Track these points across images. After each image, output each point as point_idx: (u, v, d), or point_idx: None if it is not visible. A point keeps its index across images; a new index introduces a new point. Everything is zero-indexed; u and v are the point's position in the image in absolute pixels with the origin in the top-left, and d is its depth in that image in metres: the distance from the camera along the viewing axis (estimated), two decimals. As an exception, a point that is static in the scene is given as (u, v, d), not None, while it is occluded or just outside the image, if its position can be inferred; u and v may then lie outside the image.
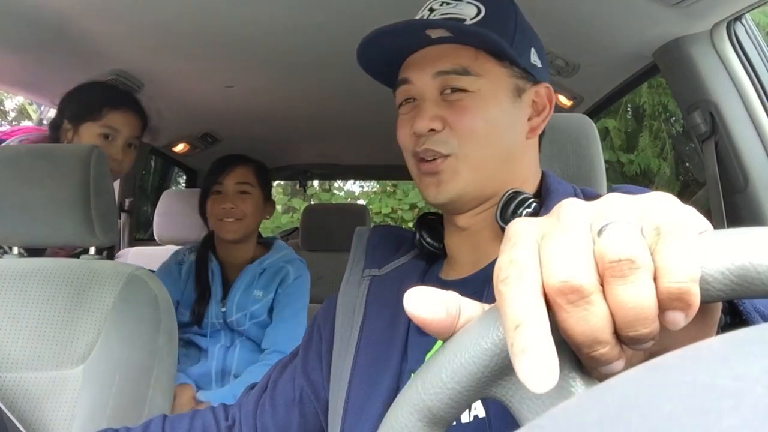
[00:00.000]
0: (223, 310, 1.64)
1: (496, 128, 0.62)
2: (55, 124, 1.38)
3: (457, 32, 0.60)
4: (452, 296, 0.29)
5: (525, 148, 0.66)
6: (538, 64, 0.66)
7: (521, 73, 0.64)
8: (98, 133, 1.35)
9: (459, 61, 0.62)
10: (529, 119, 0.66)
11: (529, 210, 0.61)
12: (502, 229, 0.62)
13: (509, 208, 0.61)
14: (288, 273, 1.69)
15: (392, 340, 0.64)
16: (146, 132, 1.51)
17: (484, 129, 0.61)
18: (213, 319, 1.64)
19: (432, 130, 0.62)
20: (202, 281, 1.66)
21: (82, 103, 1.37)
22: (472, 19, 0.62)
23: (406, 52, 0.65)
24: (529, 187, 0.66)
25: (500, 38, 0.60)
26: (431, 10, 0.65)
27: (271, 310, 1.67)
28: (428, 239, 0.71)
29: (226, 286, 1.68)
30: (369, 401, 0.62)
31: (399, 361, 0.62)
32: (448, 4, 0.64)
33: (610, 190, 0.64)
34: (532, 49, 0.66)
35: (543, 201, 0.63)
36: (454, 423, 0.57)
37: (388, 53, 0.65)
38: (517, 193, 0.62)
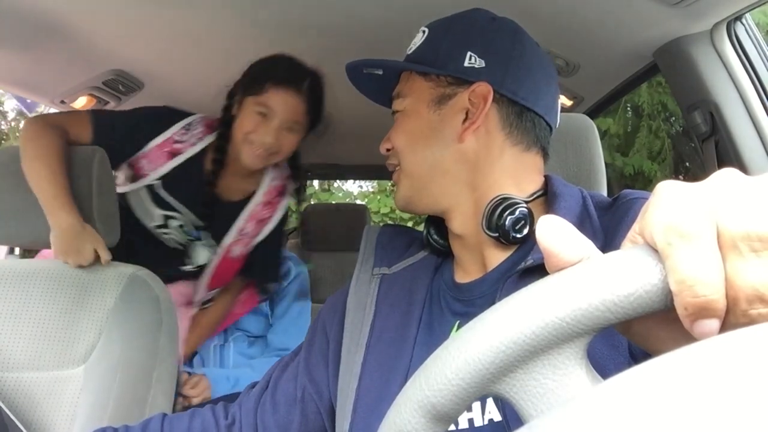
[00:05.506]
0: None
1: (415, 140, 0.69)
2: (231, 94, 1.29)
3: (383, 67, 0.72)
4: (587, 243, 0.29)
5: (462, 151, 0.66)
6: (477, 64, 0.66)
7: (451, 80, 0.67)
8: (255, 111, 1.21)
9: (398, 87, 0.73)
10: (465, 121, 0.66)
11: (512, 216, 0.61)
12: (492, 237, 0.62)
13: (495, 214, 0.62)
14: (289, 268, 1.64)
15: (403, 339, 0.65)
16: (323, 122, 1.33)
17: (407, 141, 0.69)
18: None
19: (387, 149, 0.72)
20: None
21: (253, 75, 1.25)
22: (414, 46, 0.72)
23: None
24: (516, 192, 0.65)
25: (414, 59, 0.70)
26: None
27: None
28: (435, 236, 0.72)
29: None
30: (381, 400, 0.62)
31: (409, 361, 0.63)
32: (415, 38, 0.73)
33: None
34: (468, 53, 0.66)
35: (549, 203, 0.64)
36: (467, 426, 0.57)
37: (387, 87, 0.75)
38: (504, 199, 0.62)
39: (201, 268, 1.43)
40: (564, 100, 1.59)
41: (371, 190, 7.86)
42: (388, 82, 0.74)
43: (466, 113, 0.66)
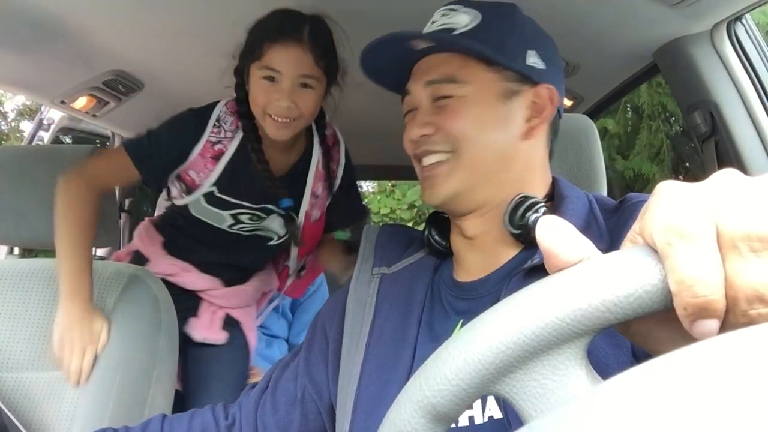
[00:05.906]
0: None
1: (485, 129, 0.64)
2: (238, 69, 1.19)
3: (440, 42, 0.65)
4: (587, 244, 0.29)
5: (521, 149, 0.66)
6: (539, 65, 0.66)
7: (515, 77, 0.65)
8: (261, 77, 1.10)
9: (446, 70, 0.66)
10: (529, 120, 0.66)
11: (537, 215, 0.60)
12: (512, 234, 0.62)
13: (518, 212, 0.61)
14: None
15: (404, 339, 0.64)
16: (341, 68, 1.16)
17: (473, 130, 0.64)
18: None
19: (424, 135, 0.66)
20: None
21: (249, 40, 1.14)
22: (463, 26, 0.66)
23: (408, 66, 0.69)
24: (537, 192, 0.66)
25: (483, 46, 0.63)
26: (433, 21, 0.69)
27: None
28: (436, 237, 0.72)
29: None
30: (381, 401, 0.62)
31: (410, 361, 0.63)
32: (445, 15, 0.68)
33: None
34: (530, 52, 0.66)
35: (556, 205, 0.64)
36: (467, 424, 0.57)
37: (392, 65, 0.69)
38: (526, 198, 0.62)
39: (284, 239, 1.39)
40: (564, 101, 1.59)
41: (371, 190, 7.87)
42: (398, 69, 0.71)
43: (529, 112, 0.66)
